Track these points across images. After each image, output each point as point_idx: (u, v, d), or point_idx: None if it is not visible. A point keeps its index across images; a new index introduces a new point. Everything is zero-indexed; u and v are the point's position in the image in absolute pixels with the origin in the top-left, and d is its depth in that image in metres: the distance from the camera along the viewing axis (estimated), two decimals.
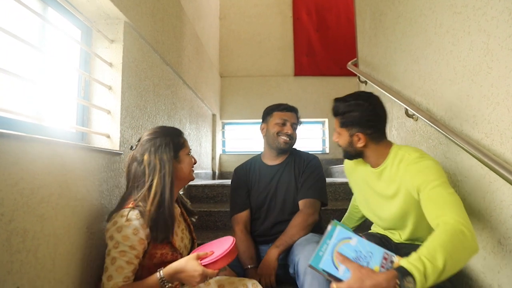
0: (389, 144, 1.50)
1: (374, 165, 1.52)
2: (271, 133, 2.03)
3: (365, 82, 3.09)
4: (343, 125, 1.48)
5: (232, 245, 1.33)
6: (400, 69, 2.26)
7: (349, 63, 3.42)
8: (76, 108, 1.67)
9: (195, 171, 3.56)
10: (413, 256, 1.04)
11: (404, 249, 1.30)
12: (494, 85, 1.32)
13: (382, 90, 2.39)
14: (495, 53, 1.32)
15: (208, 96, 4.42)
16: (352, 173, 1.70)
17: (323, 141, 5.65)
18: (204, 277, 1.26)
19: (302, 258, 1.61)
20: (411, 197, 1.37)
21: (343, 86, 5.48)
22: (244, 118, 5.46)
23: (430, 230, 1.22)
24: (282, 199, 1.98)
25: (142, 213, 1.30)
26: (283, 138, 2.01)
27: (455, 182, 1.59)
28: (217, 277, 1.49)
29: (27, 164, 1.05)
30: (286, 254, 1.86)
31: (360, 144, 1.45)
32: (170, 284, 1.28)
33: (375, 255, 1.10)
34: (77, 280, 1.33)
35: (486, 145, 1.37)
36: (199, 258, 1.30)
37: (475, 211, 1.45)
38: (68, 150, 1.28)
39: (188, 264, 1.27)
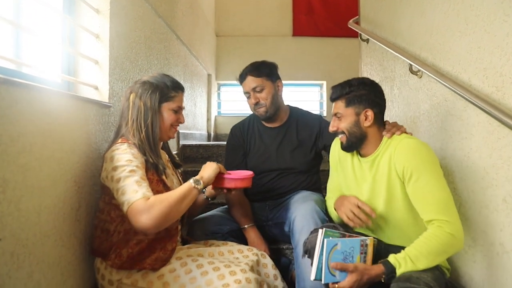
0: (382, 134, 1.47)
1: (366, 154, 1.47)
2: (249, 107, 1.93)
3: (367, 40, 2.97)
4: (349, 103, 1.42)
5: (252, 175, 1.51)
6: (405, 24, 2.14)
7: (351, 21, 3.28)
8: (61, 57, 1.56)
9: (189, 132, 3.51)
10: (402, 254, 1.21)
11: (395, 252, 1.28)
12: (510, 34, 1.23)
13: (385, 47, 2.29)
14: None
15: (203, 55, 4.27)
16: (338, 163, 1.62)
17: (321, 104, 5.56)
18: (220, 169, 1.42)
19: (299, 216, 1.56)
20: (396, 178, 1.36)
21: (343, 48, 5.31)
22: None
23: (418, 229, 1.33)
24: (284, 161, 1.89)
25: (134, 145, 1.34)
26: (257, 111, 1.88)
27: (460, 140, 1.53)
28: (226, 246, 1.55)
29: (4, 109, 0.96)
30: (282, 212, 1.83)
31: (367, 123, 1.41)
32: (201, 183, 1.32)
33: (355, 247, 1.25)
34: (65, 234, 1.28)
35: (496, 99, 1.30)
36: (220, 169, 1.43)
37: (479, 169, 1.40)
38: (51, 98, 1.19)
39: (205, 164, 1.42)
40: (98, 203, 1.40)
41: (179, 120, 1.48)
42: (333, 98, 1.47)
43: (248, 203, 1.87)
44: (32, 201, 1.09)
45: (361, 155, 1.50)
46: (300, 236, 1.54)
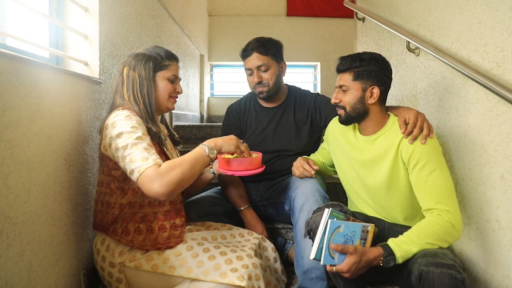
0: (388, 114, 1.44)
1: (368, 133, 1.44)
2: (248, 84, 1.85)
3: (363, 19, 2.92)
4: (358, 77, 1.37)
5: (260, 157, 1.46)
6: (403, 1, 2.10)
7: None
8: (49, 31, 1.50)
9: (182, 113, 3.45)
10: (401, 238, 1.20)
11: (398, 231, 1.29)
12: None
13: (382, 25, 2.24)
14: None
15: (195, 34, 4.18)
16: (333, 141, 1.61)
17: (315, 85, 5.51)
18: (238, 142, 1.35)
19: (299, 194, 1.54)
20: (401, 162, 1.35)
21: (337, 28, 5.26)
22: (234, 60, 5.24)
23: (419, 209, 1.33)
24: (281, 143, 1.84)
25: (135, 112, 1.30)
26: (257, 90, 1.81)
27: (458, 117, 1.51)
28: (226, 228, 1.56)
29: None
30: (278, 191, 1.81)
31: (371, 101, 1.38)
32: (215, 152, 1.28)
33: (356, 232, 1.23)
34: (56, 213, 1.25)
35: (496, 75, 1.27)
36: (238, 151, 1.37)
37: (477, 146, 1.39)
38: (39, 71, 1.14)
39: (226, 137, 1.36)
40: (98, 176, 1.36)
41: (176, 90, 1.45)
42: (340, 70, 1.42)
43: (242, 183, 1.84)
44: (20, 178, 1.05)
45: (361, 132, 1.47)
46: (300, 213, 1.52)
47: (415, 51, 1.91)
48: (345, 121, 1.45)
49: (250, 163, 1.40)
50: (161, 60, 1.39)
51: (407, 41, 1.92)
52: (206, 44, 5.07)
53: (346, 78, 1.40)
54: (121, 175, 1.27)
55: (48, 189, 1.20)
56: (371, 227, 1.25)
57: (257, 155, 1.46)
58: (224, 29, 5.29)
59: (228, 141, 1.32)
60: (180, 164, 1.18)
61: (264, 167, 1.47)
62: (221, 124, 2.05)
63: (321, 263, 1.19)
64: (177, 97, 1.48)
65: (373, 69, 1.37)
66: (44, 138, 1.17)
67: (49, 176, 1.20)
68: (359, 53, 1.41)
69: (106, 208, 1.30)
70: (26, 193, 1.08)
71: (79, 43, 1.56)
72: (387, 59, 2.29)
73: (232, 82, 5.51)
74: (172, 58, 1.44)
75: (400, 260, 1.16)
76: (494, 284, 1.31)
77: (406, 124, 1.34)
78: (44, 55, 1.46)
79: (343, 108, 1.42)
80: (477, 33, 1.39)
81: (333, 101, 1.45)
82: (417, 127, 1.32)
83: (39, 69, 1.14)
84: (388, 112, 1.45)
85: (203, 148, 1.26)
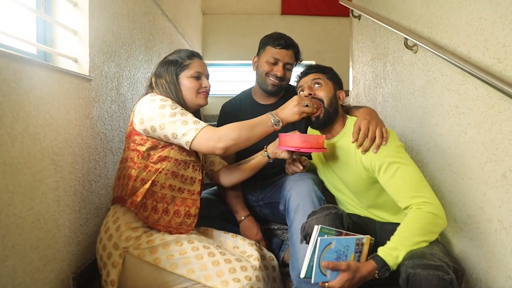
0: (346, 116, 1.50)
1: (331, 136, 1.47)
2: (260, 70, 1.81)
3: (359, 17, 2.89)
4: (330, 78, 1.46)
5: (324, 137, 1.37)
6: None
7: None
8: (36, 26, 1.45)
9: None
10: (389, 245, 1.17)
11: (390, 229, 1.27)
12: None
13: (378, 22, 2.21)
14: None
15: (189, 32, 4.13)
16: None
17: None
18: (302, 102, 1.34)
19: (294, 194, 1.50)
20: (362, 167, 1.37)
21: (332, 27, 5.23)
22: (228, 59, 5.18)
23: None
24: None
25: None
26: (271, 80, 1.78)
27: (457, 115, 1.48)
28: (235, 238, 1.53)
29: None
30: (274, 191, 1.77)
31: (340, 102, 1.46)
32: (280, 124, 1.33)
33: (350, 246, 1.18)
34: (42, 217, 1.19)
35: (497, 71, 1.24)
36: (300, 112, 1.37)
37: (477, 144, 1.35)
38: (24, 67, 1.09)
39: (285, 104, 1.38)
40: (122, 155, 1.42)
41: (203, 85, 1.48)
42: (312, 71, 1.48)
43: (240, 189, 1.79)
44: (4, 180, 1.00)
45: (327, 137, 1.48)
46: (295, 215, 1.48)
47: (413, 48, 1.87)
48: (325, 120, 1.41)
49: (316, 141, 1.33)
50: (182, 61, 1.46)
51: (404, 38, 1.89)
52: (200, 42, 5.01)
53: (321, 76, 1.45)
54: (146, 151, 1.34)
55: (34, 191, 1.15)
56: (366, 239, 1.21)
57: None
58: (218, 27, 5.24)
59: (290, 113, 1.34)
60: (239, 122, 1.30)
61: (327, 149, 1.43)
62: (216, 123, 2.00)
63: (312, 281, 1.14)
64: (206, 92, 1.50)
65: (337, 76, 1.50)
66: (30, 137, 1.11)
67: (34, 177, 1.15)
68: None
69: (127, 181, 1.34)
70: (10, 195, 1.03)
71: (68, 39, 1.51)
72: (384, 57, 2.28)
73: (226, 81, 5.46)
74: (192, 56, 1.49)
75: (394, 267, 1.15)
76: (496, 286, 1.27)
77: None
78: (32, 51, 1.40)
79: (321, 101, 1.40)
80: (477, 28, 1.36)
81: (306, 92, 1.43)
82: (369, 138, 1.33)
83: (24, 64, 1.09)
84: (347, 115, 1.50)
85: (268, 117, 1.33)
